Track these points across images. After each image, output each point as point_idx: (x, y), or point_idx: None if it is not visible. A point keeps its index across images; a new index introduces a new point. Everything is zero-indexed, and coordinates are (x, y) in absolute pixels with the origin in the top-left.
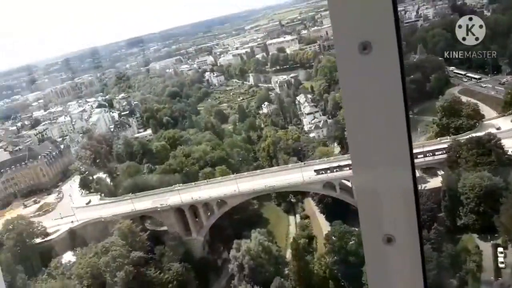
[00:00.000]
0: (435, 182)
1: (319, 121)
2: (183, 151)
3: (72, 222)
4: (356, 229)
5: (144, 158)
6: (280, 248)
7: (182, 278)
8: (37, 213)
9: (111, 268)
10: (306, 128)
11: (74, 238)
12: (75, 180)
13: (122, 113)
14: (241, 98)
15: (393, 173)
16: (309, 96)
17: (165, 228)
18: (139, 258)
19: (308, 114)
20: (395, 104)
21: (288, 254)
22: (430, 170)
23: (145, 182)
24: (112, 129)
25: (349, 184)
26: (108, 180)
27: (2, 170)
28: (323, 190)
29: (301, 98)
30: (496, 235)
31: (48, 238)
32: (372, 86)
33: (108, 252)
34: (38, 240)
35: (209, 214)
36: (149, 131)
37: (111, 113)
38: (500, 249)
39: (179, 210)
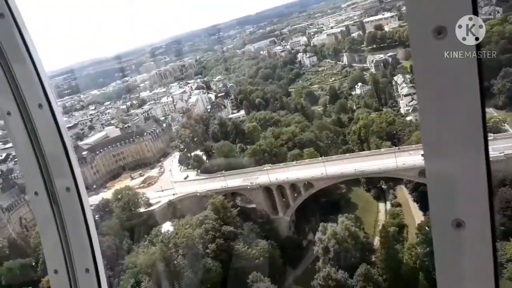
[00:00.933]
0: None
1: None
2: (273, 132)
3: (173, 195)
4: None
5: (237, 138)
6: (368, 235)
7: (268, 254)
8: (141, 185)
9: (204, 240)
10: (402, 110)
11: (173, 210)
12: (175, 156)
13: (218, 95)
14: (333, 79)
15: (465, 157)
16: (408, 76)
17: (253, 205)
18: (230, 233)
19: (405, 95)
20: (469, 88)
21: (376, 242)
22: None
23: (237, 161)
24: (209, 110)
25: None
26: (204, 157)
27: (114, 145)
28: (418, 178)
29: (398, 78)
30: None
31: (150, 208)
32: (446, 70)
33: (202, 225)
34: (141, 210)
35: (295, 195)
36: (242, 112)
37: (208, 94)
38: None
39: (267, 189)
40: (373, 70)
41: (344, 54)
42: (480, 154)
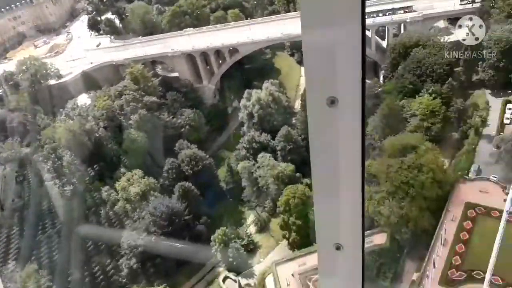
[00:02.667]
0: (461, 34)
1: None
2: None
3: (91, 63)
4: (369, 81)
5: None
6: (289, 99)
7: (194, 123)
8: (48, 54)
9: (125, 111)
10: None
11: (88, 81)
12: (83, 20)
13: None
14: None
15: (341, 30)
16: None
17: (176, 74)
18: (152, 103)
19: None
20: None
21: (297, 105)
22: (457, 21)
23: (155, 25)
24: None
25: (368, 34)
26: (117, 21)
27: (7, 7)
28: None
29: None
30: (510, 91)
31: (62, 80)
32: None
33: (121, 96)
34: (52, 82)
35: (220, 62)
36: None
37: None
38: (509, 106)
39: (190, 56)
40: None
41: None
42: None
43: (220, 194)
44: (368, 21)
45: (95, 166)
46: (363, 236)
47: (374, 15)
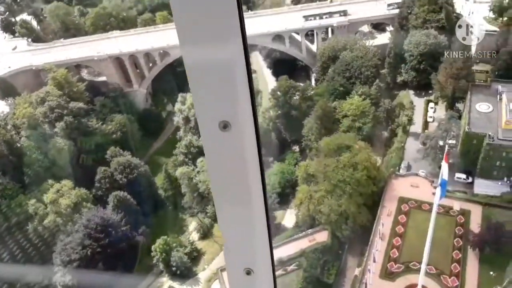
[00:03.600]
0: (383, 38)
1: None
2: None
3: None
4: (302, 84)
5: None
6: None
7: (126, 129)
8: None
9: (49, 119)
10: None
11: (4, 87)
12: None
13: None
14: None
15: (223, 49)
16: None
17: (104, 78)
18: (79, 109)
19: None
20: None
21: None
22: (380, 26)
23: (77, 27)
24: None
25: (299, 38)
26: (35, 22)
27: None
28: (272, 44)
29: None
30: (430, 91)
31: None
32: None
33: (44, 103)
34: None
35: (151, 65)
36: None
37: None
38: (431, 105)
39: (118, 60)
40: None
41: None
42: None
43: (159, 202)
44: (297, 25)
45: (18, 178)
46: (273, 260)
47: (312, 18)
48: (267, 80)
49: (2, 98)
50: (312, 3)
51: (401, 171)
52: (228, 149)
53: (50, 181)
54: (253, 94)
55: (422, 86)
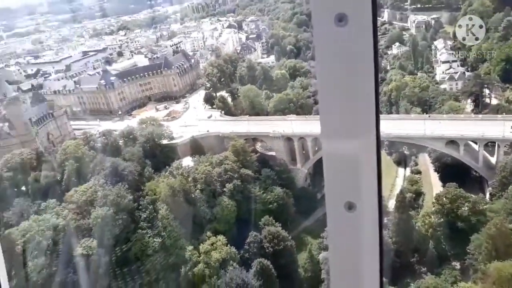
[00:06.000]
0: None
1: (455, 72)
2: (302, 83)
3: (199, 131)
4: (473, 196)
5: (264, 84)
6: (383, 197)
7: (282, 201)
8: (166, 117)
9: (222, 179)
10: (438, 77)
11: (195, 146)
12: (200, 94)
13: (249, 36)
14: None
15: (359, 142)
16: (449, 42)
17: (273, 153)
18: (247, 176)
19: (443, 62)
20: (366, 78)
21: (391, 204)
22: None
23: (262, 107)
24: (238, 51)
25: (476, 147)
26: (229, 99)
27: (142, 74)
28: (444, 148)
29: (439, 43)
30: None
31: (173, 141)
32: (345, 57)
33: (221, 164)
34: (164, 142)
35: (316, 148)
36: (272, 57)
37: (239, 34)
38: None
39: (288, 139)
40: (413, 31)
41: (385, 10)
42: (371, 138)
43: (296, 281)
44: (476, 135)
45: (184, 224)
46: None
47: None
48: (432, 183)
49: (191, 154)
50: (497, 115)
51: None
52: (352, 228)
53: (208, 233)
54: (380, 181)
55: None
